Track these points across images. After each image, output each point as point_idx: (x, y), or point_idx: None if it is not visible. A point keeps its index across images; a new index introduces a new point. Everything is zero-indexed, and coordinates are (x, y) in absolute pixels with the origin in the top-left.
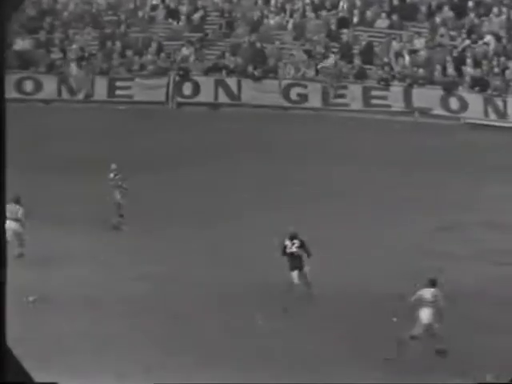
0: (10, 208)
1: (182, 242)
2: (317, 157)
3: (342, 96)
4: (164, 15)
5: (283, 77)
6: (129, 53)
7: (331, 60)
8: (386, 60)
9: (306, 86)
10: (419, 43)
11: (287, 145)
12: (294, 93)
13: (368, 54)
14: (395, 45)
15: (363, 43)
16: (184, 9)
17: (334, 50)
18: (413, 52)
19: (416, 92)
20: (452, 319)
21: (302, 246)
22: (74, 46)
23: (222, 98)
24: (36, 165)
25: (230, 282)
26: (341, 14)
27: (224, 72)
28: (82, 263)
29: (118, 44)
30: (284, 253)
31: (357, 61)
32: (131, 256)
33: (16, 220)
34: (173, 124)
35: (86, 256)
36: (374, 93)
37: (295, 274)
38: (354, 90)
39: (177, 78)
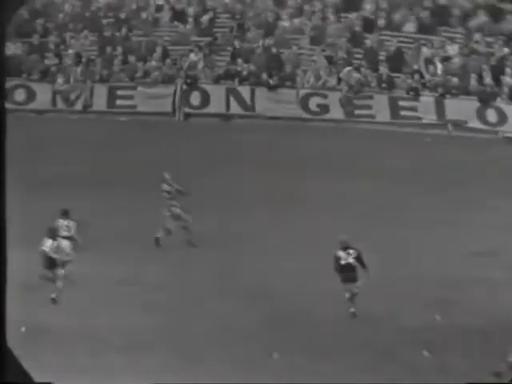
0: (60, 223)
1: (189, 265)
2: (338, 173)
3: (366, 107)
4: (170, 17)
5: (301, 85)
6: (131, 58)
7: (346, 71)
8: (415, 67)
9: (326, 96)
10: (452, 50)
11: (306, 160)
12: (313, 103)
13: (396, 61)
14: (426, 51)
15: (390, 49)
16: (191, 10)
17: (358, 55)
18: (445, 59)
19: (449, 103)
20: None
21: (358, 257)
22: (71, 51)
23: (234, 108)
24: (26, 181)
25: (245, 313)
26: (365, 17)
27: (236, 80)
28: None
29: (119, 49)
30: (338, 266)
31: (383, 68)
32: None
33: (69, 238)
34: (180, 137)
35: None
36: (402, 103)
37: (349, 286)
38: (380, 101)
39: (184, 87)
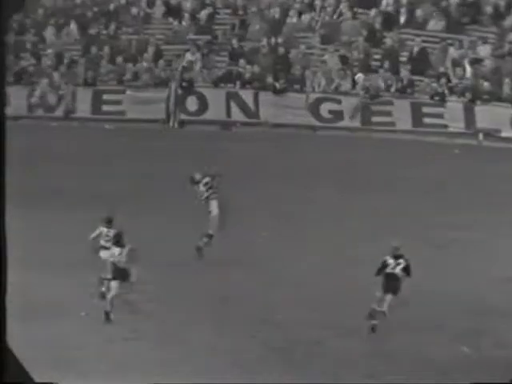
0: (103, 232)
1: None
2: (352, 187)
3: (386, 113)
4: (163, 13)
5: (311, 89)
6: (119, 59)
7: (359, 78)
8: (441, 70)
9: (340, 102)
10: (484, 51)
11: (316, 173)
12: (325, 109)
13: (419, 63)
14: (453, 52)
15: (413, 49)
16: (188, 5)
17: (377, 56)
18: (476, 61)
19: (479, 110)
20: None
21: (406, 268)
22: (50, 51)
23: (236, 114)
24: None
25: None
26: (385, 13)
27: (238, 83)
28: None
29: (106, 48)
30: (381, 271)
31: (404, 71)
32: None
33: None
34: (174, 147)
35: None
36: (426, 110)
37: (388, 297)
38: (401, 107)
39: (179, 91)
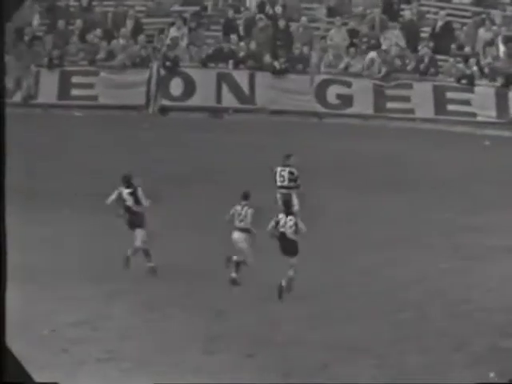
0: (237, 210)
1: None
2: (363, 183)
3: (403, 99)
4: None
5: (317, 70)
6: (91, 36)
7: (370, 57)
8: (468, 50)
9: (350, 84)
10: None
11: (321, 167)
12: (332, 93)
13: (443, 40)
14: (484, 29)
15: (436, 24)
16: None
17: (394, 31)
18: (510, 40)
19: None
20: None
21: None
22: (10, 25)
23: (228, 99)
24: None
25: None
26: None
27: (230, 62)
28: None
29: (78, 22)
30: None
31: (425, 49)
32: None
33: (243, 230)
34: (154, 138)
35: None
36: (450, 95)
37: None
38: (422, 91)
39: (162, 72)
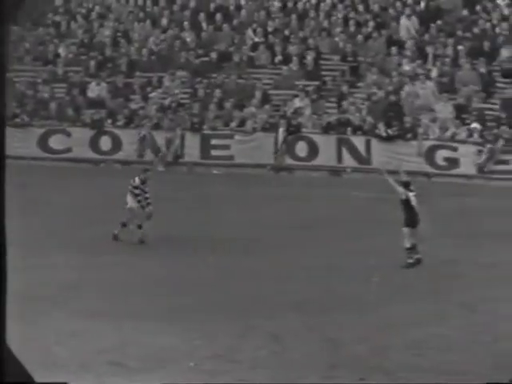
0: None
1: None
2: (470, 236)
3: (504, 162)
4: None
5: (425, 137)
6: (227, 104)
7: (473, 126)
8: None
9: (456, 149)
10: None
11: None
12: (440, 156)
13: None
14: None
15: None
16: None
17: (496, 106)
18: None
19: None
20: None
21: None
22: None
23: (347, 161)
24: None
25: None
26: (503, 67)
27: (349, 130)
28: None
29: (217, 92)
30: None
31: None
32: None
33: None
34: (282, 193)
35: None
36: None
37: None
38: None
39: (287, 136)
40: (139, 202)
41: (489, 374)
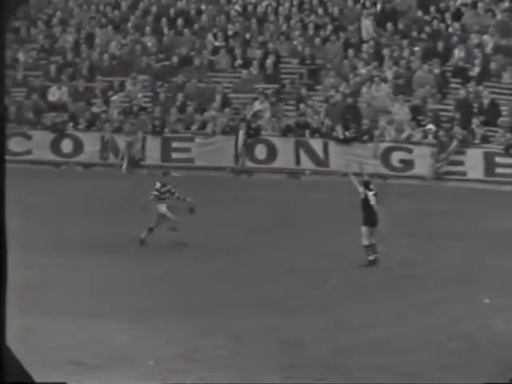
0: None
1: None
2: (428, 233)
3: (457, 163)
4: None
5: (381, 139)
6: (188, 108)
7: (428, 128)
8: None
9: (411, 151)
10: None
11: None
12: (395, 158)
13: (491, 114)
14: None
15: (484, 101)
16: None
17: (450, 106)
18: None
19: None
20: None
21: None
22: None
23: (305, 163)
24: None
25: None
26: (457, 66)
27: (307, 132)
28: None
29: (179, 96)
30: None
31: (476, 121)
32: None
33: None
34: (241, 195)
35: None
36: (499, 160)
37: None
38: (474, 156)
39: (247, 138)
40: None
41: (441, 375)
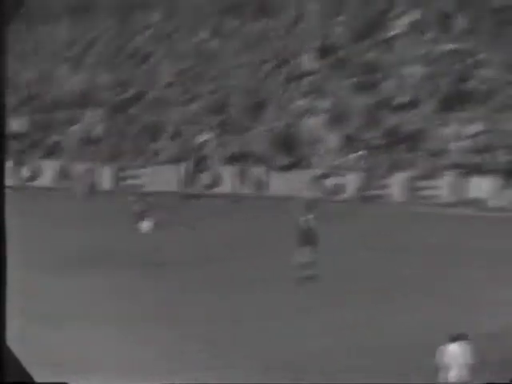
0: None
1: None
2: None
3: (383, 187)
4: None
5: (316, 165)
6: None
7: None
8: (435, 147)
9: (343, 175)
10: (476, 128)
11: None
12: (329, 183)
13: (415, 140)
14: (447, 129)
15: (409, 128)
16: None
17: (377, 134)
18: (469, 137)
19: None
20: None
21: None
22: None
23: (247, 188)
24: None
25: None
26: (384, 97)
27: (250, 160)
28: None
29: (132, 128)
30: None
31: (401, 147)
32: None
33: None
34: (188, 217)
35: None
36: (420, 184)
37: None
38: (396, 181)
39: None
40: None
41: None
